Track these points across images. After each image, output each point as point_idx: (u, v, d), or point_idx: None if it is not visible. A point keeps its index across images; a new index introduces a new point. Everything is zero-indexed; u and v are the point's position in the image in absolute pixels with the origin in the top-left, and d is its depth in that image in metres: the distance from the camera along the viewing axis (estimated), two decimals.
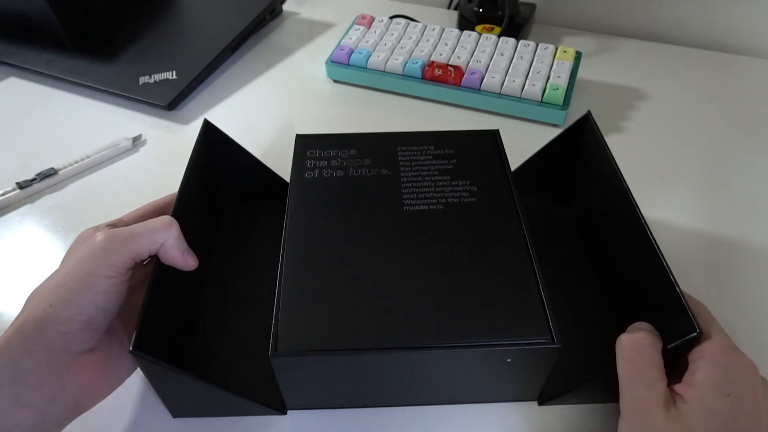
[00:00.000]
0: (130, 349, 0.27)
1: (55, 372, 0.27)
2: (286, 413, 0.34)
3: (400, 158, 0.38)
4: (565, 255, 0.41)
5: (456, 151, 0.39)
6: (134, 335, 0.27)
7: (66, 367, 0.28)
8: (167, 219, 0.31)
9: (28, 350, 0.27)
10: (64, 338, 0.27)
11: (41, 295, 0.28)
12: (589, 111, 0.38)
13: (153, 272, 0.31)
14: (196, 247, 0.33)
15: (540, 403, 0.34)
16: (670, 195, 0.46)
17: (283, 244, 0.33)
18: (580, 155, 0.41)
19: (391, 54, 0.58)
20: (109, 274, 0.28)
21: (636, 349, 0.28)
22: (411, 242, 0.33)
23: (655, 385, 0.27)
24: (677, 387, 0.27)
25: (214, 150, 0.41)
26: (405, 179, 0.37)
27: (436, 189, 0.36)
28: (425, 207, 0.35)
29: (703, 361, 0.27)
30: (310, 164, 0.38)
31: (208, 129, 0.40)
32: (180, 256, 0.31)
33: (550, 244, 0.39)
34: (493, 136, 0.40)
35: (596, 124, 0.38)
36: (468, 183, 0.36)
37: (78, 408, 0.29)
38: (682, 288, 0.29)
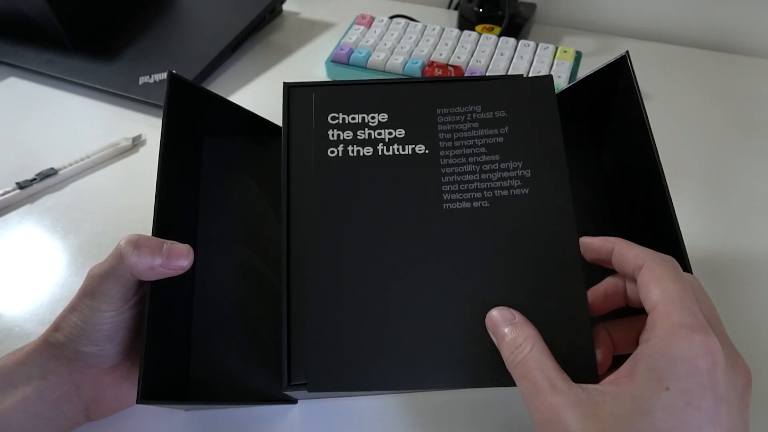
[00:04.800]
0: (137, 400, 0.28)
1: (72, 378, 0.30)
2: (296, 402, 0.34)
3: (440, 127, 0.32)
4: (587, 219, 0.36)
5: (508, 114, 0.31)
6: (139, 386, 0.28)
7: (81, 376, 0.30)
8: (120, 249, 0.29)
9: (53, 356, 0.30)
10: (82, 355, 0.30)
11: (70, 309, 0.30)
12: (627, 51, 0.33)
13: (146, 304, 0.30)
14: (184, 215, 0.32)
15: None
16: (671, 196, 0.46)
17: (303, 250, 0.30)
18: (613, 101, 0.36)
19: (391, 54, 0.58)
20: (103, 308, 0.29)
21: (517, 352, 0.25)
22: (449, 261, 0.29)
23: (558, 386, 0.23)
24: (611, 378, 0.24)
25: (187, 102, 0.37)
26: (445, 161, 0.31)
27: (482, 176, 0.30)
28: (468, 204, 0.30)
29: (648, 346, 0.22)
30: (333, 136, 0.32)
31: (174, 80, 0.35)
32: (161, 272, 0.29)
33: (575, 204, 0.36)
34: (548, 84, 0.32)
35: (633, 67, 0.33)
36: (520, 165, 0.30)
37: (88, 414, 0.32)
38: None
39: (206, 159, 0.40)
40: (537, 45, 0.58)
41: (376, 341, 0.28)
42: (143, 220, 0.34)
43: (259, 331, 0.35)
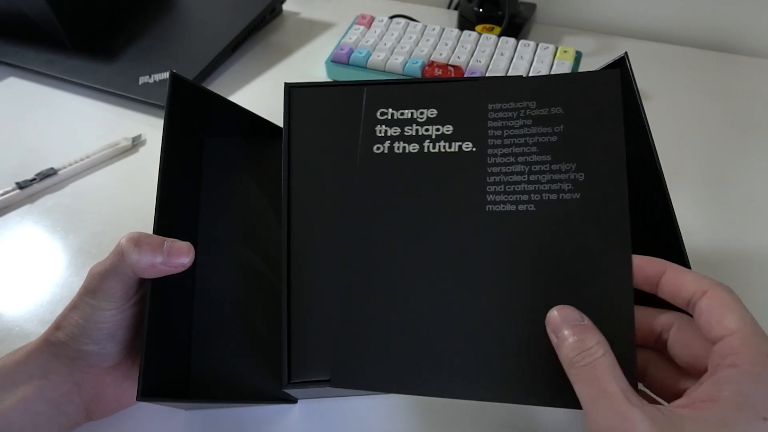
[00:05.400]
0: (137, 397, 0.27)
1: (73, 377, 0.30)
2: (296, 402, 0.34)
3: (490, 123, 0.30)
4: None
5: (565, 111, 0.29)
6: (139, 383, 0.28)
7: (82, 375, 0.30)
8: (121, 246, 0.29)
9: (54, 355, 0.30)
10: (82, 354, 0.30)
11: (71, 307, 0.30)
12: (626, 52, 0.32)
13: (147, 301, 0.30)
14: (185, 216, 0.32)
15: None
16: (671, 196, 0.46)
17: (343, 244, 0.30)
18: None
19: (391, 54, 0.58)
20: (105, 307, 0.29)
21: (585, 354, 0.24)
22: (488, 265, 0.28)
23: (632, 399, 0.22)
24: (681, 402, 0.23)
25: (189, 103, 0.37)
26: (493, 160, 0.29)
27: (531, 177, 0.29)
28: (512, 207, 0.28)
29: (734, 372, 0.22)
30: (380, 132, 0.31)
31: (176, 80, 0.35)
32: (162, 269, 0.29)
33: None
34: (613, 80, 0.30)
35: (632, 68, 0.31)
36: (574, 167, 0.28)
37: (88, 414, 0.32)
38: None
39: (207, 159, 0.40)
40: (537, 45, 0.58)
41: (405, 343, 0.27)
42: (143, 220, 0.34)
43: (259, 331, 0.35)
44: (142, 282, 0.30)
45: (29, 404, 0.29)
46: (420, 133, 0.31)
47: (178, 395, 0.32)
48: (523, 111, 0.30)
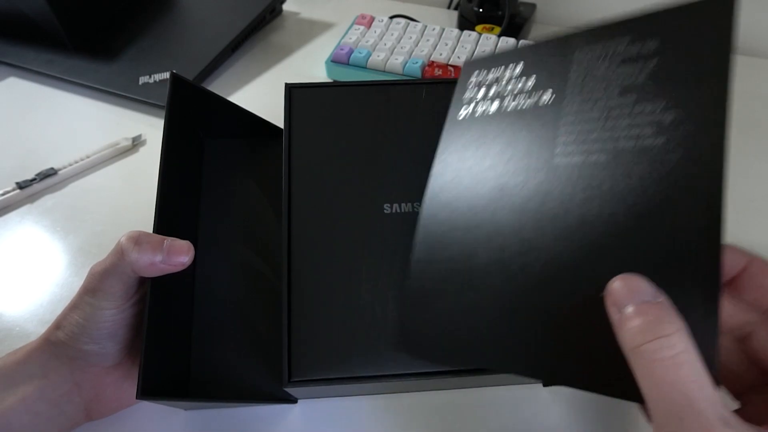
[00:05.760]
0: (137, 396, 0.27)
1: (73, 377, 0.30)
2: (296, 402, 0.34)
3: (573, 69, 0.27)
4: None
5: (661, 43, 0.25)
6: (139, 381, 0.28)
7: (82, 375, 0.30)
8: (121, 245, 0.29)
9: (54, 355, 0.30)
10: (83, 353, 0.30)
11: (71, 307, 0.30)
12: None
13: (147, 300, 0.30)
14: (186, 215, 0.32)
15: (545, 385, 0.33)
16: None
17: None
18: None
19: (391, 54, 0.58)
20: (105, 306, 0.29)
21: (664, 344, 0.18)
22: (548, 228, 0.25)
23: (728, 419, 0.17)
24: None
25: (189, 103, 0.37)
26: (569, 107, 0.26)
27: (607, 123, 0.25)
28: (580, 159, 0.25)
29: None
30: (469, 95, 0.31)
31: (176, 81, 0.35)
32: (161, 268, 0.29)
33: None
34: (728, 6, 0.24)
35: None
36: (662, 107, 0.24)
37: (88, 413, 0.32)
38: None
39: (207, 160, 0.40)
40: None
41: (464, 315, 0.26)
42: (143, 220, 0.34)
43: (259, 331, 0.35)
44: (142, 281, 0.30)
45: (29, 404, 0.29)
46: (502, 91, 0.30)
47: (178, 395, 0.32)
48: (612, 50, 0.27)
